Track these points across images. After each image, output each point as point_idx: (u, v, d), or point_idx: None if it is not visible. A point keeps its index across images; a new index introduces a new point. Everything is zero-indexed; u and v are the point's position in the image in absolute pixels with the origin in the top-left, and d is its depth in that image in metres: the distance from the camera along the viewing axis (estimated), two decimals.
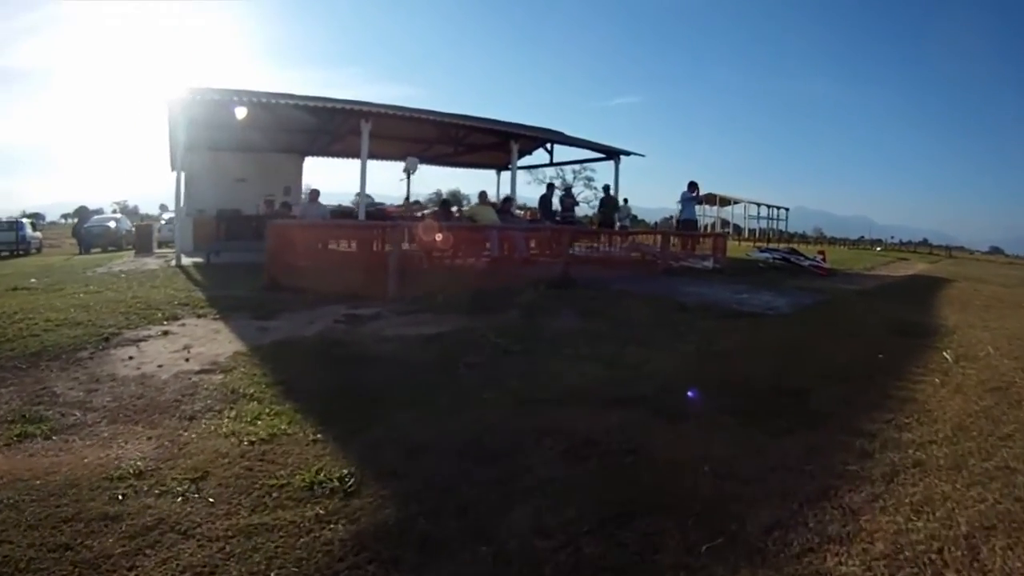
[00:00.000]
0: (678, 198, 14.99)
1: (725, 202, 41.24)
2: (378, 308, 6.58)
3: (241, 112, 14.66)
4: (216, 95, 13.64)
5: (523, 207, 23.70)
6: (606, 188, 15.87)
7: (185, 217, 17.58)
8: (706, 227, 45.74)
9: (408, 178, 15.03)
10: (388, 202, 18.00)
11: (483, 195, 12.89)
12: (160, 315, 6.02)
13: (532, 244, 14.12)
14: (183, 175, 15.50)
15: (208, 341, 5.05)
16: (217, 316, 6.10)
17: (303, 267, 8.87)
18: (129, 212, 53.99)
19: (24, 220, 23.85)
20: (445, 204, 12.40)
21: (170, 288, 8.06)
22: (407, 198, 16.45)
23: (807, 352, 5.05)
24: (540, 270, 9.74)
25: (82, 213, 29.32)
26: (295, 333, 5.36)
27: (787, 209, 44.45)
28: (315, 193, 13.48)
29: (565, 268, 9.31)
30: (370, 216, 15.45)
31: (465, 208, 14.40)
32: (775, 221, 43.36)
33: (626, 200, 23.01)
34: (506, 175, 22.35)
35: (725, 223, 43.35)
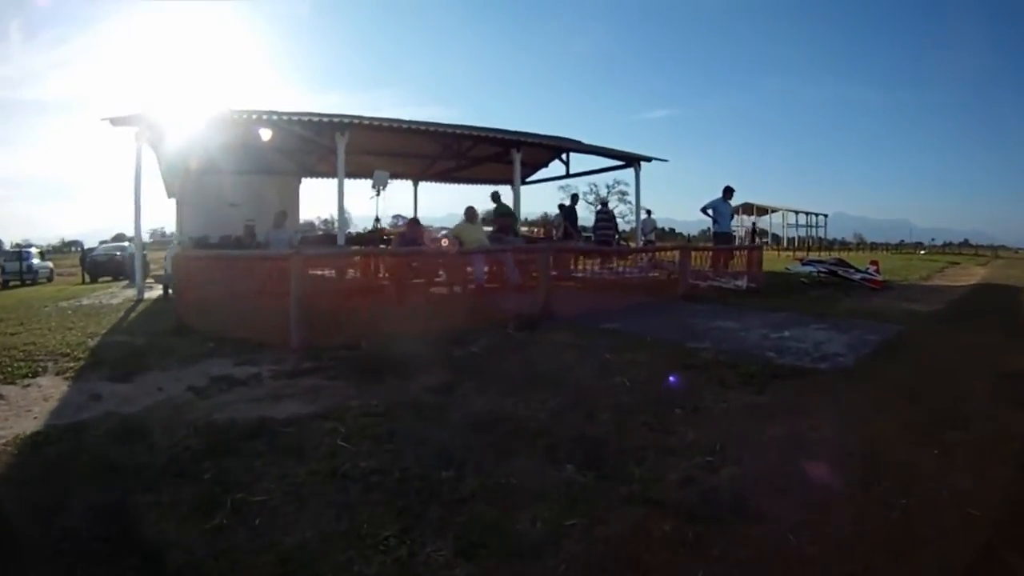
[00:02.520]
0: (705, 204, 12.09)
1: (762, 211, 38.58)
2: (267, 365, 4.78)
3: (266, 134, 13.08)
4: (188, 116, 12.00)
5: (547, 222, 21.28)
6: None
7: (175, 245, 16.00)
8: (741, 239, 42.69)
9: (378, 195, 12.83)
10: (434, 224, 15.78)
11: (470, 211, 10.59)
12: (25, 369, 4.84)
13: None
14: (171, 201, 13.82)
15: (19, 415, 3.70)
16: (73, 374, 4.74)
17: (213, 307, 6.84)
18: (166, 239, 53.82)
19: (32, 249, 22.69)
20: (415, 223, 10.12)
21: (82, 330, 6.74)
22: (372, 217, 14.15)
23: (910, 491, 2.45)
24: (527, 300, 7.38)
25: (118, 240, 28.51)
26: (120, 407, 3.76)
27: (826, 216, 40.96)
28: (281, 216, 11.49)
29: (545, 300, 6.92)
30: (355, 241, 13.38)
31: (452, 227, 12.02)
32: (814, 228, 39.94)
33: (649, 212, 20.32)
34: (520, 189, 20.09)
35: (763, 233, 40.65)
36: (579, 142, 16.58)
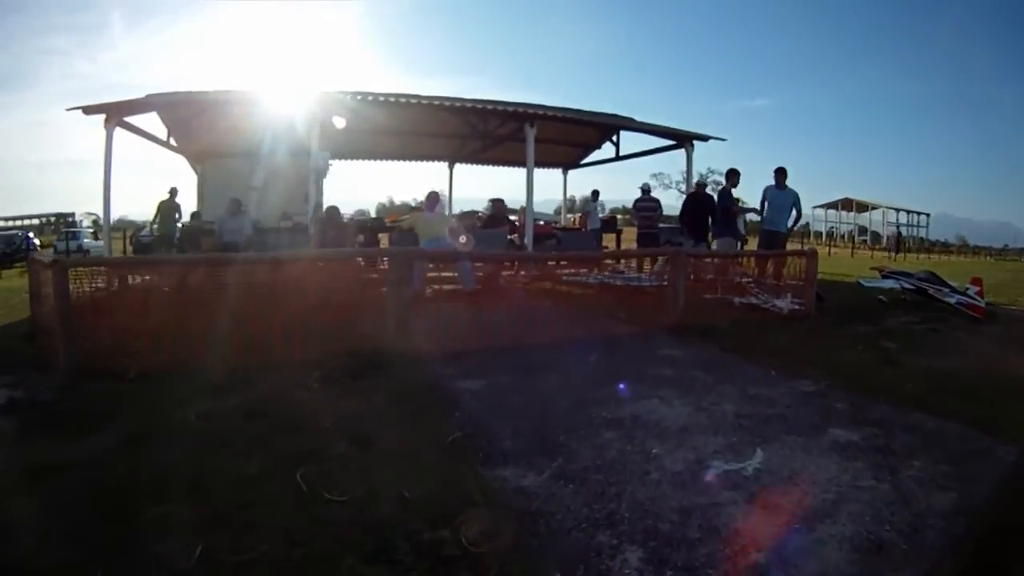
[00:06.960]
0: (761, 196, 8.55)
1: (862, 207, 32.73)
2: (21, 391, 3.53)
3: (340, 122, 11.22)
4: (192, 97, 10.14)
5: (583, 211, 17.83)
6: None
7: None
8: (840, 237, 36.50)
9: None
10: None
11: (432, 197, 7.79)
12: None
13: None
14: None
15: None
16: None
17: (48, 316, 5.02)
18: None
19: (86, 230, 22.40)
20: (332, 213, 7.43)
21: None
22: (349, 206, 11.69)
23: None
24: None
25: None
26: None
27: (927, 215, 34.08)
28: (235, 204, 9.31)
29: (398, 327, 4.05)
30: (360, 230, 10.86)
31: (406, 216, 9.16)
32: (915, 228, 33.27)
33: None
34: (574, 175, 16.83)
35: (863, 230, 34.92)
36: (631, 119, 13.07)
